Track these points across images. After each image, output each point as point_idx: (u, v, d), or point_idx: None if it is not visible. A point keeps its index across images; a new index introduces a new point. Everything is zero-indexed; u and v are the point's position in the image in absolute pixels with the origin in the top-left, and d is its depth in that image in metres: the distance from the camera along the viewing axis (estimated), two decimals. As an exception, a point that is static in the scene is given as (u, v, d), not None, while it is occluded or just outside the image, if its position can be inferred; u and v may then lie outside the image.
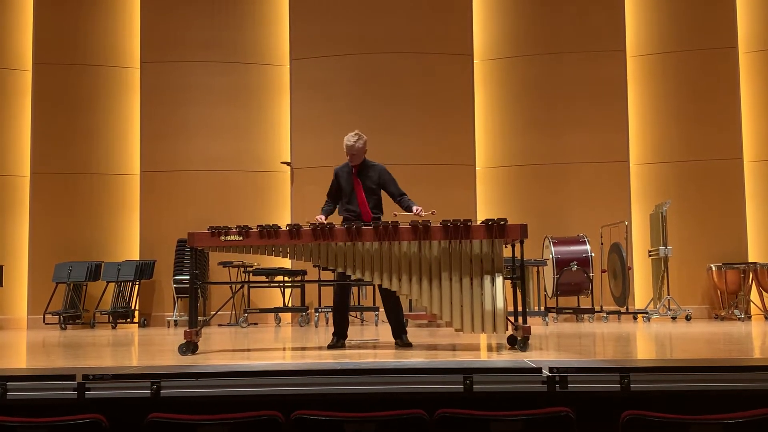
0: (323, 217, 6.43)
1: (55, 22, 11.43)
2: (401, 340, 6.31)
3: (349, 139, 6.47)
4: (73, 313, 10.66)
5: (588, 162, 11.03)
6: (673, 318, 9.97)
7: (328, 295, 10.49)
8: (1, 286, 10.60)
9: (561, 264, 10.10)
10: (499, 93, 11.45)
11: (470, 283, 5.60)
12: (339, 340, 6.34)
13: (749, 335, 7.34)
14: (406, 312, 9.38)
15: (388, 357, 5.48)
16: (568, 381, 3.79)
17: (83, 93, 11.43)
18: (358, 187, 6.48)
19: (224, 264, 10.42)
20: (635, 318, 10.28)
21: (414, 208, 6.38)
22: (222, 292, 10.75)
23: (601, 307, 10.40)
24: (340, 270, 5.83)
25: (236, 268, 10.56)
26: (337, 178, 6.63)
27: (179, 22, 11.49)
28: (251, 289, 10.78)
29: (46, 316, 10.55)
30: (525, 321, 5.84)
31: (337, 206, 6.65)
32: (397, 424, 3.35)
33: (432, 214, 6.11)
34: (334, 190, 6.65)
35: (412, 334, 7.38)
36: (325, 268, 6.24)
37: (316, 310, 10.22)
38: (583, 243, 10.23)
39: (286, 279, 10.53)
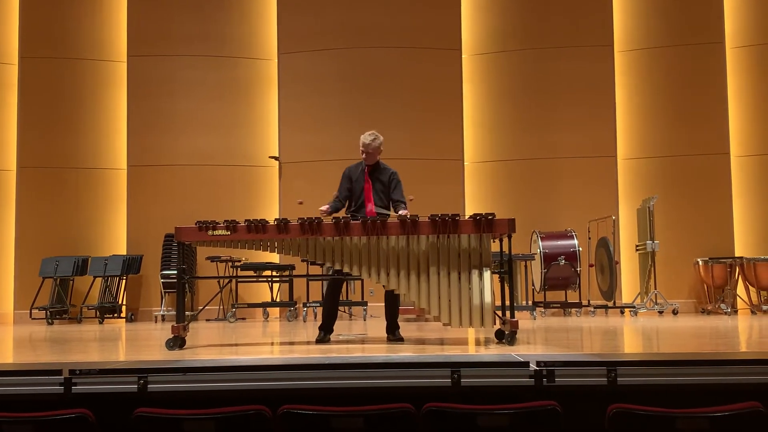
0: (327, 207, 6.40)
1: (41, 15, 11.35)
2: (393, 335, 6.35)
3: (366, 137, 6.47)
4: (60, 308, 10.62)
5: (576, 157, 11.06)
6: (660, 312, 10.02)
7: (316, 289, 10.51)
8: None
9: (549, 258, 10.13)
10: (487, 88, 11.46)
11: (458, 277, 5.60)
12: (325, 335, 6.35)
13: (735, 329, 7.38)
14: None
15: (376, 351, 5.48)
16: (555, 375, 3.80)
17: (70, 87, 11.36)
18: (367, 188, 6.47)
19: (212, 259, 10.40)
20: (622, 312, 10.32)
21: (400, 213, 6.34)
22: (210, 286, 10.74)
23: (589, 301, 10.44)
24: (327, 265, 5.83)
25: (224, 263, 10.54)
26: (349, 177, 6.59)
27: (166, 15, 11.44)
28: (239, 284, 10.76)
29: (33, 311, 10.51)
30: (513, 315, 5.86)
31: (345, 205, 6.63)
32: (384, 418, 3.35)
33: (410, 200, 6.27)
34: (345, 189, 6.61)
35: (401, 328, 7.39)
36: (313, 263, 6.24)
37: (304, 305, 10.22)
38: (571, 237, 10.26)
39: (274, 274, 10.51)
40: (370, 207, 6.44)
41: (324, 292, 7.04)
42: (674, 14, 11.17)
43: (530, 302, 10.26)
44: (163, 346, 5.82)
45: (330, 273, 6.42)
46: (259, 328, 8.88)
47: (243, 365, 4.05)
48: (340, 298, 10.02)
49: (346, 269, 5.72)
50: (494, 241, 5.96)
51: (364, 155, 6.52)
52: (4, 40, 11.40)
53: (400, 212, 6.29)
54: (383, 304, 6.51)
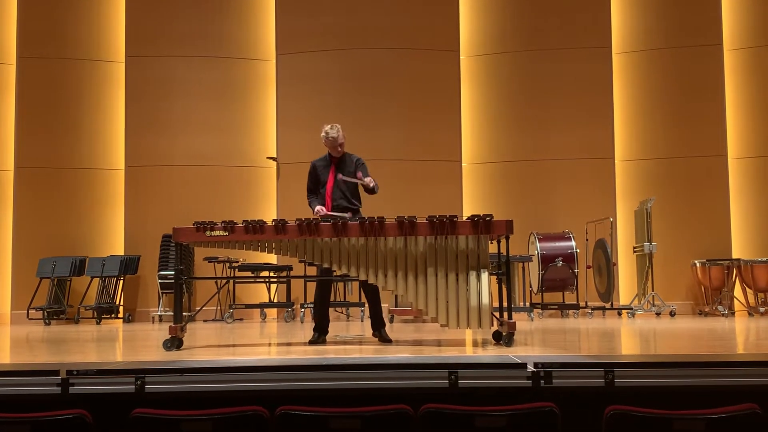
0: (322, 208, 6.43)
1: (39, 15, 11.33)
2: (379, 334, 6.32)
3: (331, 132, 6.48)
4: (57, 308, 10.60)
5: (574, 158, 11.07)
6: (658, 314, 10.02)
7: (313, 290, 10.48)
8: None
9: (546, 260, 10.13)
10: (485, 89, 11.46)
11: (456, 278, 5.61)
12: (320, 336, 6.33)
13: (733, 331, 7.39)
14: (392, 308, 9.42)
15: (373, 352, 5.48)
16: (552, 376, 3.80)
17: (68, 87, 11.35)
18: (330, 180, 6.51)
19: (209, 259, 10.40)
20: (620, 314, 10.33)
21: (367, 180, 6.45)
22: (207, 287, 10.72)
23: (586, 302, 10.44)
24: (325, 266, 5.83)
25: (221, 264, 10.53)
26: (315, 169, 6.63)
27: (165, 16, 11.43)
28: (237, 285, 10.75)
29: (30, 311, 10.49)
30: (510, 316, 5.86)
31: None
32: (382, 419, 3.35)
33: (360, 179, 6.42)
34: (312, 184, 6.65)
35: (398, 329, 7.41)
36: (310, 264, 6.24)
37: (302, 306, 10.21)
38: (569, 239, 10.26)
39: (272, 274, 10.51)
40: (328, 203, 6.47)
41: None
42: (672, 16, 11.18)
43: (528, 303, 10.27)
44: (160, 347, 5.82)
45: (318, 273, 6.42)
46: (256, 328, 8.88)
47: (240, 366, 4.05)
48: (337, 299, 10.12)
49: (344, 270, 5.72)
50: (492, 243, 5.96)
51: (338, 148, 6.53)
52: (2, 40, 11.38)
53: (368, 179, 6.42)
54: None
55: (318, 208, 6.45)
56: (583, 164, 11.06)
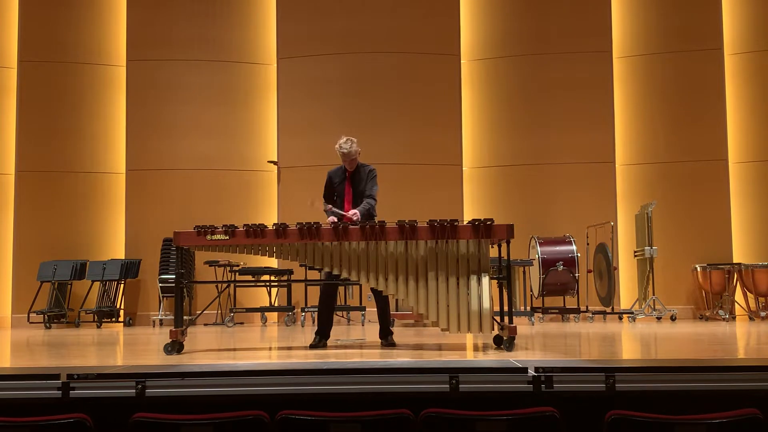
0: (330, 206, 6.41)
1: (40, 19, 11.35)
2: (386, 341, 6.33)
3: (344, 146, 6.41)
4: (58, 312, 10.60)
5: (574, 162, 11.06)
6: (658, 318, 10.01)
7: (314, 294, 10.48)
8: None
9: (547, 264, 10.12)
10: (486, 93, 11.46)
11: (457, 283, 5.60)
12: (321, 340, 6.32)
13: (733, 335, 7.38)
14: (393, 312, 9.41)
15: (374, 357, 5.48)
16: (553, 381, 3.80)
17: (69, 91, 11.36)
18: (348, 192, 6.48)
19: (210, 263, 10.39)
20: (621, 318, 10.32)
21: (350, 213, 6.34)
22: (208, 291, 10.72)
23: (587, 307, 10.43)
24: (327, 269, 5.83)
25: (222, 268, 10.53)
26: (331, 180, 6.60)
27: (166, 20, 11.44)
28: (237, 289, 10.75)
29: (31, 315, 10.49)
30: (511, 321, 5.85)
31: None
32: (382, 423, 3.35)
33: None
34: (328, 193, 6.62)
35: (399, 333, 7.40)
36: (311, 268, 6.23)
37: (303, 310, 10.21)
38: (569, 243, 10.26)
39: (273, 278, 10.51)
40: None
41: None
42: (673, 20, 11.18)
43: (528, 308, 10.26)
44: (161, 351, 5.81)
45: (325, 277, 6.39)
46: (257, 332, 8.88)
47: (241, 370, 4.05)
48: (338, 303, 10.11)
49: (344, 274, 5.72)
50: (493, 247, 5.96)
51: (345, 163, 6.49)
52: (4, 43, 11.40)
53: (351, 212, 6.30)
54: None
55: (327, 206, 6.43)
56: (584, 168, 11.05)
